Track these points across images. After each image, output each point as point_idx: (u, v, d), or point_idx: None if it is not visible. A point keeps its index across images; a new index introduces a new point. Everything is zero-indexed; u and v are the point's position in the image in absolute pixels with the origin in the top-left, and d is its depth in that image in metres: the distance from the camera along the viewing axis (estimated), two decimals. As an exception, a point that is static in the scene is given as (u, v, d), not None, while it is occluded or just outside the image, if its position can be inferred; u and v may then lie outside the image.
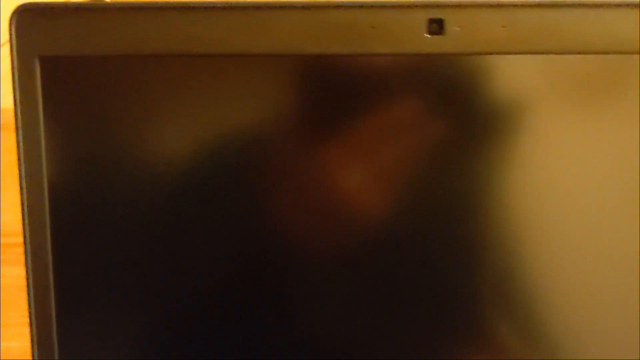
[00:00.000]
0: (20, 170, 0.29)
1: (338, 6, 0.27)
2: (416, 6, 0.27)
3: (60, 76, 0.28)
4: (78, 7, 0.29)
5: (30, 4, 0.28)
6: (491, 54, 0.28)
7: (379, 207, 0.31)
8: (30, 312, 0.30)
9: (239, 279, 0.32)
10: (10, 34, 0.28)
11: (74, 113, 0.29)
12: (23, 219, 0.30)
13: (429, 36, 0.27)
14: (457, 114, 0.29)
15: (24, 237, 0.30)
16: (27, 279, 0.30)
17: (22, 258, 0.30)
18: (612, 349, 0.32)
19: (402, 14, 0.27)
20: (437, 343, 0.32)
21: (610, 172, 0.31)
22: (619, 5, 0.29)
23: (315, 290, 0.32)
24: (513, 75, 0.29)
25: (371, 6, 0.27)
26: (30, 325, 0.31)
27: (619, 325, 0.32)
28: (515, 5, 0.28)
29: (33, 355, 0.31)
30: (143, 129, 0.29)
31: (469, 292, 0.31)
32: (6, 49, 0.28)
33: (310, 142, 0.30)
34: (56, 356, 0.31)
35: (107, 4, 0.30)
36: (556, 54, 0.28)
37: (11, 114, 0.28)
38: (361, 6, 0.27)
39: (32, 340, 0.31)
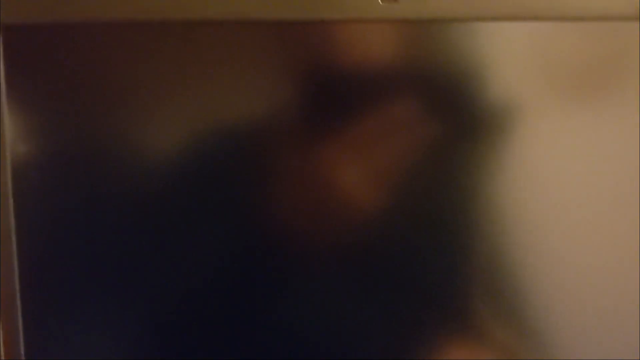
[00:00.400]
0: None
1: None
2: (370, -26, 0.28)
3: (24, 45, 0.28)
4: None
5: (-9, -29, 0.27)
6: (446, 21, 0.29)
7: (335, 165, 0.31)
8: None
9: (226, 274, 0.31)
10: (-30, 3, 0.27)
11: (39, 85, 0.28)
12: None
13: (382, 3, 0.28)
14: (414, 81, 0.30)
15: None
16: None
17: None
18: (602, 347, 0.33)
19: (356, -18, 0.28)
20: (427, 335, 0.32)
21: (596, 157, 0.32)
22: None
23: (309, 283, 0.31)
24: (470, 42, 0.29)
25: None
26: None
27: (609, 324, 0.33)
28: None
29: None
30: (113, 101, 0.29)
31: (462, 287, 0.32)
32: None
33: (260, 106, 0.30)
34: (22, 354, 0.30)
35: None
36: (513, 20, 0.29)
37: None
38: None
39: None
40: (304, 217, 0.31)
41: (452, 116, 0.30)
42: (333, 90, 0.30)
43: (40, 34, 0.28)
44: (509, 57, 0.30)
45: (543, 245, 0.32)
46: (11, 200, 0.29)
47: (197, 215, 0.30)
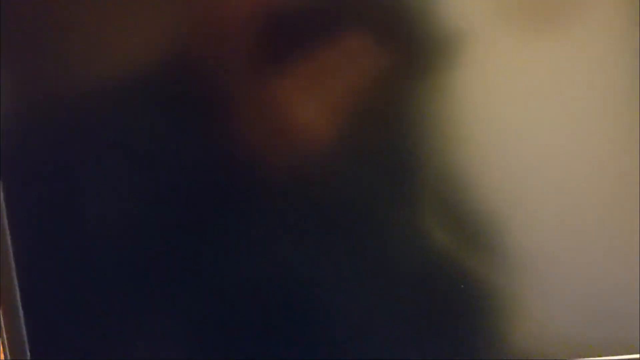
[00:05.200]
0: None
1: None
2: None
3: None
4: None
5: None
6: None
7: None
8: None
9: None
10: None
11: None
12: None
13: None
14: (364, 11, 0.31)
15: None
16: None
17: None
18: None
19: None
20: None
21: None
22: None
23: (264, 213, 0.32)
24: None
25: None
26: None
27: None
28: None
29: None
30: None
31: (412, 211, 0.32)
32: None
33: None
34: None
35: None
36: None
37: None
38: None
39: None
40: (260, 148, 0.32)
41: (403, 44, 0.31)
42: (284, 23, 0.31)
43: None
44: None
45: (494, 170, 0.33)
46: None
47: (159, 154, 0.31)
